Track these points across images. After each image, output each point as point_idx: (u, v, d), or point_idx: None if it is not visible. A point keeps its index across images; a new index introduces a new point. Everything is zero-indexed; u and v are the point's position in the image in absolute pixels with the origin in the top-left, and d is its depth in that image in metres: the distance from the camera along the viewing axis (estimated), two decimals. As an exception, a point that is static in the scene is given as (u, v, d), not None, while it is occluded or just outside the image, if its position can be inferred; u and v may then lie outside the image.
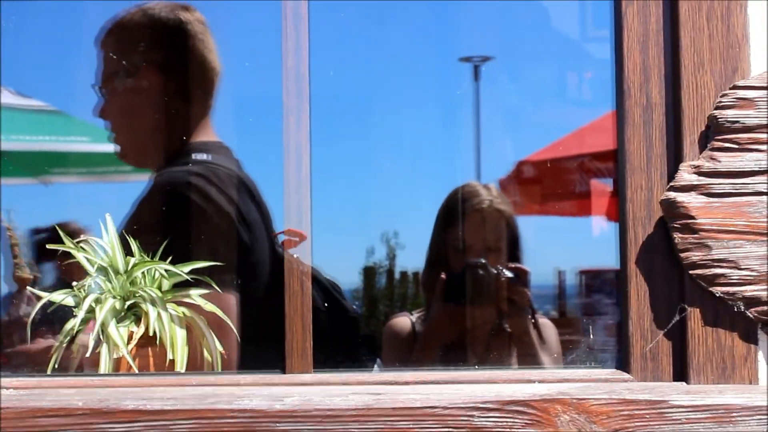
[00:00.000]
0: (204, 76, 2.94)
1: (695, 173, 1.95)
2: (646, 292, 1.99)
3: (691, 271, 1.94)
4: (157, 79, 2.91)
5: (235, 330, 2.46)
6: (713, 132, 1.96)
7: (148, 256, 2.38)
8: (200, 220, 2.73)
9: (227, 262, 2.58)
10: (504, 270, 3.24)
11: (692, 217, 1.93)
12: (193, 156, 2.83)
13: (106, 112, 2.93)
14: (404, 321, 3.36)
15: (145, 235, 2.46)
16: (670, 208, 1.95)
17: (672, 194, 1.95)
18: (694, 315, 1.95)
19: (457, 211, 3.33)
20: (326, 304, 2.93)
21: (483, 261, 3.24)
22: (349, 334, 3.14)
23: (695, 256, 1.93)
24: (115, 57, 2.90)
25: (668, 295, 1.99)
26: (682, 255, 1.94)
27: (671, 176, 1.99)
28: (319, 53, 2.21)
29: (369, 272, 6.30)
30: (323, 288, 2.99)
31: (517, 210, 6.57)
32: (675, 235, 1.95)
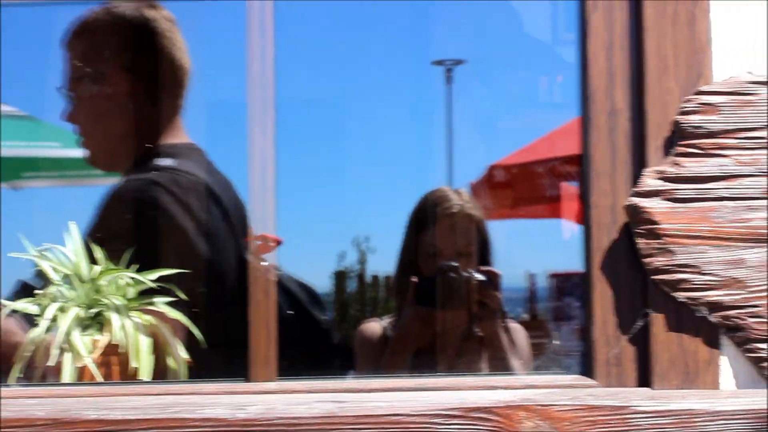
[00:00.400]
0: (173, 75, 2.89)
1: (659, 178, 1.95)
2: (611, 298, 1.99)
3: (654, 277, 1.94)
4: (125, 81, 2.86)
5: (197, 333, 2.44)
6: (677, 137, 1.96)
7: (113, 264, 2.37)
8: (157, 231, 2.71)
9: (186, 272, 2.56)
10: (475, 273, 3.24)
11: (656, 223, 1.93)
12: (156, 162, 2.80)
13: (74, 117, 2.90)
14: (374, 326, 3.36)
15: (107, 243, 2.45)
16: (634, 214, 1.95)
17: (636, 199, 1.95)
18: (657, 320, 1.95)
19: (427, 216, 3.33)
20: (293, 312, 2.92)
21: (455, 264, 3.24)
22: (318, 342, 3.13)
23: (659, 261, 1.93)
24: (81, 59, 2.87)
25: (632, 300, 1.99)
26: (646, 260, 1.94)
27: (636, 182, 1.99)
28: (289, 55, 2.20)
29: (340, 276, 6.31)
30: (292, 296, 2.98)
31: (489, 214, 6.59)
32: (639, 241, 1.94)
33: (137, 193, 2.73)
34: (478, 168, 6.47)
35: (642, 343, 1.98)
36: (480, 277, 3.23)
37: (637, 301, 1.98)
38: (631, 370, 1.98)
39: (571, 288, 5.41)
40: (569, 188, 6.16)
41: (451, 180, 6.30)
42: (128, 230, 2.68)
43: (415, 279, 3.21)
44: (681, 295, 1.92)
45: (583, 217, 2.04)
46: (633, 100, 2.02)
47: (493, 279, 3.24)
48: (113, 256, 2.40)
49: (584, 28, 2.05)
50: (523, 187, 6.29)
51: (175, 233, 2.73)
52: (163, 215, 2.73)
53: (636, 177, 2.00)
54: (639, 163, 2.00)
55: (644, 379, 1.97)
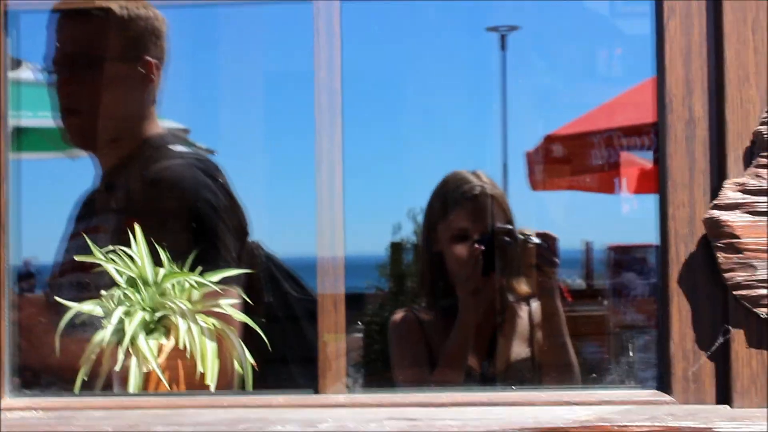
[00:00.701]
0: (158, 70, 2.93)
1: (740, 191, 1.89)
2: (689, 312, 1.94)
3: (735, 292, 1.89)
4: (125, 68, 2.89)
5: (264, 337, 2.44)
6: (758, 148, 1.90)
7: (176, 264, 2.35)
8: (218, 212, 2.72)
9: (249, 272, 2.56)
10: (531, 237, 3.19)
11: (737, 237, 1.88)
12: (172, 147, 2.87)
13: (71, 94, 2.88)
14: (409, 317, 3.32)
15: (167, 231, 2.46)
16: (714, 227, 1.90)
17: (716, 212, 1.90)
18: (738, 336, 1.90)
19: (449, 199, 3.27)
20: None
21: (510, 227, 3.20)
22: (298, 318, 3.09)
23: (739, 276, 1.88)
24: (81, 42, 2.87)
25: (711, 315, 1.94)
26: (726, 275, 1.89)
27: (714, 193, 1.93)
28: (349, 28, 2.17)
29: (396, 248, 6.28)
30: (273, 276, 2.97)
31: (545, 185, 6.54)
32: (719, 255, 1.89)
33: (193, 178, 2.76)
34: (534, 137, 6.42)
35: (721, 359, 1.93)
36: (536, 240, 3.18)
37: (717, 316, 1.93)
38: (710, 387, 1.94)
39: (629, 261, 5.35)
40: (628, 158, 6.10)
41: (506, 149, 6.25)
42: (187, 214, 2.69)
43: (478, 246, 3.15)
44: (763, 311, 1.87)
45: (660, 229, 1.99)
46: (711, 108, 1.97)
47: (550, 243, 3.19)
48: (175, 243, 2.40)
49: (661, 35, 1.99)
50: (580, 158, 6.22)
51: (232, 214, 2.74)
52: (220, 197, 2.74)
53: (714, 188, 1.94)
54: (718, 173, 1.95)
55: (723, 396, 1.93)
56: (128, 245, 2.32)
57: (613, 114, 6.07)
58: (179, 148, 2.85)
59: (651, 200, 2.05)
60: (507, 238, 3.17)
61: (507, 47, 6.68)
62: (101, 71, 2.86)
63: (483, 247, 3.14)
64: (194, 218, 2.70)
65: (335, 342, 2.07)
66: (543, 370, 3.19)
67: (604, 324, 4.60)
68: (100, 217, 2.84)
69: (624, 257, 5.44)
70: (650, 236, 2.07)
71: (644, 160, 6.20)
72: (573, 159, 6.24)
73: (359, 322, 4.54)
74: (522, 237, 3.18)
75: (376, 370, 3.93)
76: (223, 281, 2.34)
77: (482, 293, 3.18)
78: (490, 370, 3.18)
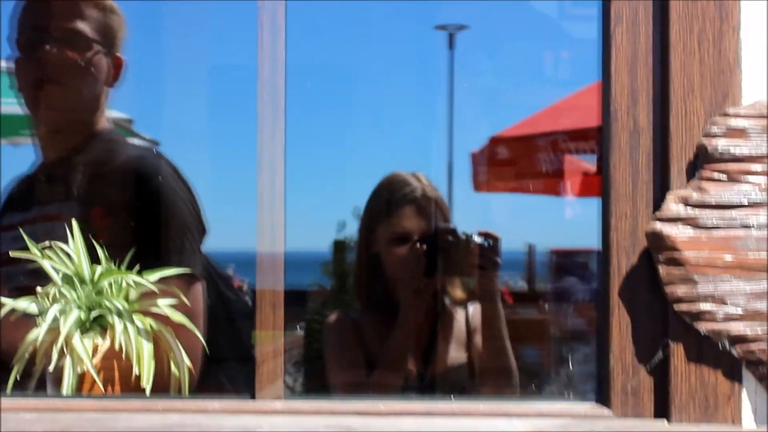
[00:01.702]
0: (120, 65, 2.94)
1: (682, 204, 1.88)
2: (629, 325, 1.94)
3: (676, 306, 1.88)
4: (95, 55, 2.86)
5: (202, 339, 2.42)
6: (702, 161, 1.90)
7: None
8: (192, 209, 2.77)
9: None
10: (474, 236, 3.18)
11: (678, 250, 1.87)
12: (130, 141, 2.94)
13: (37, 75, 2.85)
14: (345, 319, 3.30)
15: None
16: (656, 240, 1.89)
17: (658, 225, 1.89)
18: (677, 351, 1.89)
19: (391, 201, 3.25)
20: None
21: (452, 227, 3.19)
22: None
23: (680, 290, 1.87)
24: (54, 23, 2.84)
25: (651, 328, 1.93)
26: (667, 289, 1.88)
27: (657, 204, 1.93)
28: (293, 22, 2.15)
29: (339, 246, 6.26)
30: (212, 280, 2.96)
31: (489, 186, 6.54)
32: (660, 268, 1.88)
33: (161, 171, 2.77)
34: (480, 138, 6.42)
35: (660, 373, 1.92)
36: (479, 240, 3.17)
37: (657, 330, 1.92)
38: (648, 401, 1.93)
39: (571, 265, 5.36)
40: (572, 162, 6.10)
41: (452, 150, 6.25)
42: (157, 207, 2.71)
43: (419, 245, 3.14)
44: (703, 326, 1.86)
45: (602, 239, 1.98)
46: (656, 119, 1.96)
47: (492, 242, 3.18)
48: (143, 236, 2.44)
49: (607, 42, 1.98)
50: (524, 161, 6.22)
51: (197, 208, 2.79)
52: (186, 191, 2.78)
53: (657, 199, 1.93)
54: (661, 185, 1.94)
55: (661, 410, 1.92)
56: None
57: (558, 117, 6.07)
58: (136, 141, 2.85)
59: (594, 204, 2.04)
60: (450, 237, 3.16)
61: (455, 46, 6.68)
62: (74, 54, 2.83)
63: (425, 247, 3.12)
64: (165, 211, 2.69)
65: (272, 340, 2.05)
66: (481, 375, 3.18)
67: (545, 328, 4.60)
68: (45, 207, 2.80)
69: (566, 261, 5.46)
70: (593, 241, 2.06)
71: (588, 164, 6.22)
72: (518, 161, 6.24)
73: (298, 326, 4.52)
74: (464, 236, 3.17)
75: (317, 369, 3.91)
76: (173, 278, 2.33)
77: (424, 293, 3.17)
78: (428, 375, 3.16)
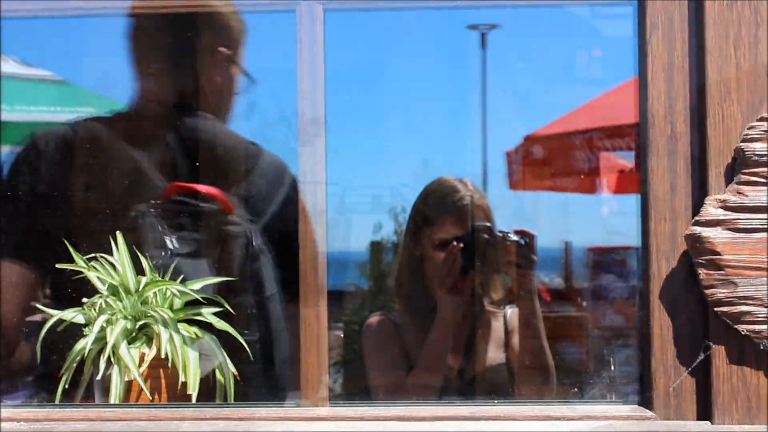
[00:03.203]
0: None
1: (721, 207, 1.90)
2: (670, 328, 1.95)
3: (716, 308, 1.89)
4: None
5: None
6: (739, 165, 1.91)
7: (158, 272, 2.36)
8: None
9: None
10: (510, 234, 3.20)
11: (718, 253, 1.89)
12: None
13: None
14: (384, 321, 3.32)
15: None
16: (695, 244, 1.91)
17: (697, 229, 1.90)
18: (719, 353, 1.91)
19: (438, 207, 3.27)
20: None
21: (488, 225, 3.20)
22: None
23: (721, 293, 1.89)
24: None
25: (692, 331, 1.95)
26: (707, 291, 1.90)
27: (696, 208, 1.94)
28: (331, 31, 2.17)
29: (376, 247, 6.27)
30: None
31: (524, 185, 6.54)
32: (700, 271, 1.90)
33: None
34: (514, 137, 6.41)
35: (702, 375, 1.94)
36: (515, 237, 3.19)
37: (697, 332, 1.94)
38: (691, 403, 1.95)
39: (608, 263, 5.36)
40: (608, 159, 6.10)
41: (486, 149, 6.25)
42: None
43: (456, 243, 3.16)
44: (743, 328, 1.88)
45: (641, 243, 2.00)
46: (693, 124, 1.97)
47: (528, 240, 3.20)
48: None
49: (643, 49, 2.00)
50: (560, 159, 6.22)
51: None
52: None
53: (696, 203, 1.95)
54: (699, 189, 1.96)
55: (704, 412, 1.94)
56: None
57: (593, 114, 6.07)
58: None
59: (631, 201, 2.06)
60: (486, 235, 3.18)
61: (487, 45, 6.67)
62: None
63: (462, 245, 3.14)
64: None
65: (317, 347, 2.07)
66: (519, 374, 3.20)
67: (583, 325, 4.60)
68: None
69: (603, 258, 5.45)
70: (630, 238, 2.07)
71: (625, 161, 6.22)
72: (553, 159, 6.24)
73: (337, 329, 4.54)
74: (500, 234, 3.19)
75: (356, 370, 3.93)
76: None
77: (460, 292, 3.19)
78: (467, 374, 3.18)
